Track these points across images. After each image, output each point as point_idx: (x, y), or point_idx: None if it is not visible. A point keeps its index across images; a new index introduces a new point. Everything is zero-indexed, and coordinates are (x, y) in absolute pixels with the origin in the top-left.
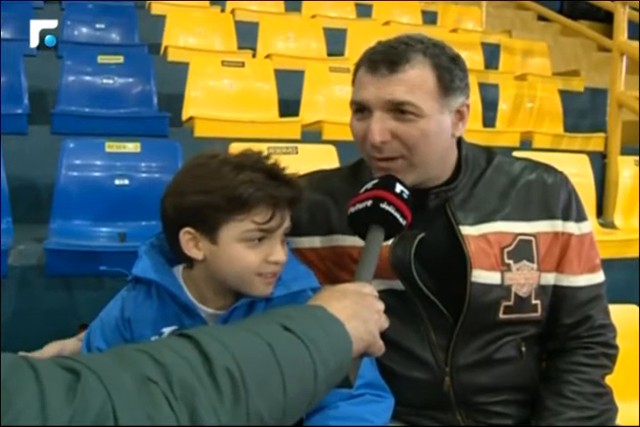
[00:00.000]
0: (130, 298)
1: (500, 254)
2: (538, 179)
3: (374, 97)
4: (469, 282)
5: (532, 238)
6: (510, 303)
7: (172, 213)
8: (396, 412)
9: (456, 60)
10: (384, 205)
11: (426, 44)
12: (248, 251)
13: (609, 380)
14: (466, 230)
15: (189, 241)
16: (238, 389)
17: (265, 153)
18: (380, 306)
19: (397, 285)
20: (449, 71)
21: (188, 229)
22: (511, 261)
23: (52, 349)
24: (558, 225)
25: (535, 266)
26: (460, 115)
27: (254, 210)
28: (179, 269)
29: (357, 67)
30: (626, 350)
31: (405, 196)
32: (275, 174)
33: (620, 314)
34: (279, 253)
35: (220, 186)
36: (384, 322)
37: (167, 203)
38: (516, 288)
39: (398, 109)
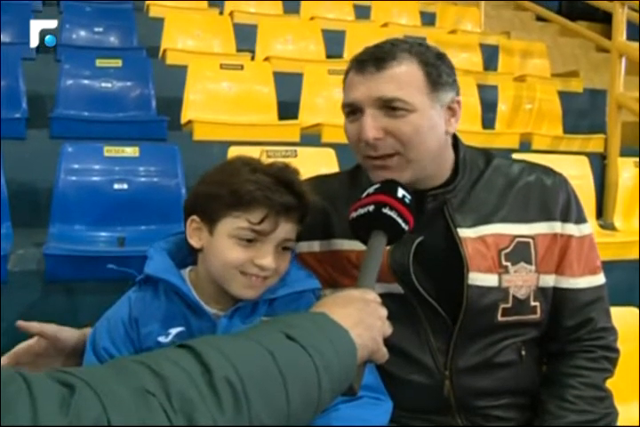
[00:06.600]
0: (137, 298)
1: (498, 256)
2: (536, 181)
3: (364, 96)
4: (466, 285)
5: (530, 240)
6: (508, 305)
7: (189, 199)
8: (396, 416)
9: (441, 57)
10: (386, 210)
11: (410, 44)
12: (236, 247)
13: (609, 382)
14: (464, 233)
15: (194, 230)
16: (239, 399)
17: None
18: (384, 312)
19: (396, 288)
20: (435, 67)
21: (194, 217)
22: (508, 264)
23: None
24: (557, 227)
25: (533, 268)
26: (452, 111)
27: (251, 209)
28: (185, 272)
29: (347, 71)
30: (626, 353)
31: (407, 200)
32: (284, 182)
33: (620, 316)
34: (267, 259)
35: (230, 181)
36: (387, 329)
37: (191, 190)
38: (514, 290)
39: (389, 106)
